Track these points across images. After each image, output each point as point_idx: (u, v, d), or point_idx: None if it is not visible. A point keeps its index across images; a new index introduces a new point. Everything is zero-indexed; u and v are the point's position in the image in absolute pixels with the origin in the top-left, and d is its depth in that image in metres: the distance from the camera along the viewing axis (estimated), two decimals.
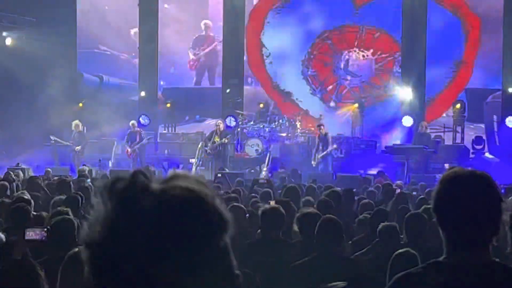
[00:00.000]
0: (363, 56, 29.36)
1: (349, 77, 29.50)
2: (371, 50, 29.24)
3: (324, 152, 23.73)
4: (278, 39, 29.65)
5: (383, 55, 28.78)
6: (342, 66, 29.55)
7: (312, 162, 23.87)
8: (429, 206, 8.38)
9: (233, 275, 1.51)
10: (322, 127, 24.24)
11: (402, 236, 7.94)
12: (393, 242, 7.56)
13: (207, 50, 30.95)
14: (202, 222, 1.47)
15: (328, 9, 29.16)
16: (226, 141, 24.07)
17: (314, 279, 5.88)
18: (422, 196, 12.52)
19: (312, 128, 26.38)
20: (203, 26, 30.87)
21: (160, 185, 1.49)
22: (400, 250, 6.10)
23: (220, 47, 30.24)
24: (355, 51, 29.41)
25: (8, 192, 12.59)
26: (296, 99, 29.81)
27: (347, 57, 29.52)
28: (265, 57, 30.21)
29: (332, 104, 29.41)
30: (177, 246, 1.43)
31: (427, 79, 27.02)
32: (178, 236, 1.44)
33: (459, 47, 28.46)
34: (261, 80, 30.18)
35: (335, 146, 24.01)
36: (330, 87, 29.56)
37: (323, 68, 29.69)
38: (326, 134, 23.97)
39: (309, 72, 29.87)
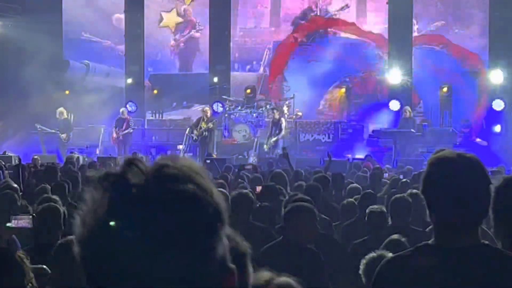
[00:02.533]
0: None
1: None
2: None
3: (275, 138, 23.92)
4: (299, 77, 29.11)
5: None
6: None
7: (265, 147, 24.08)
8: (414, 191, 8.44)
9: (227, 267, 1.46)
10: (275, 111, 24.59)
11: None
12: (380, 226, 7.58)
13: (186, 36, 30.72)
14: (196, 217, 1.41)
15: (354, 57, 28.86)
16: (212, 125, 24.08)
17: (274, 264, 5.79)
18: (404, 180, 12.54)
19: (300, 113, 26.39)
20: (182, 12, 30.64)
21: (153, 176, 1.42)
22: (393, 236, 6.07)
23: (199, 34, 30.20)
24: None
25: None
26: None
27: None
28: (285, 92, 29.58)
29: None
30: (167, 242, 1.37)
31: None
32: (169, 231, 1.38)
33: None
34: None
35: (285, 131, 24.18)
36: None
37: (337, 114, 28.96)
38: (279, 119, 24.13)
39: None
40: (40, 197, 8.04)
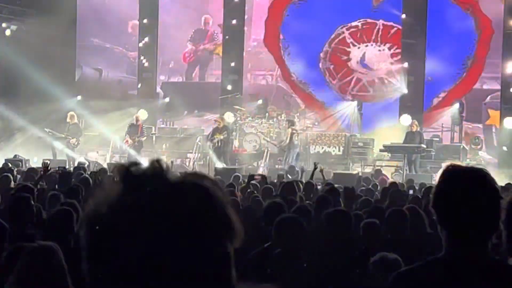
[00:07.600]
0: (379, 50, 29.31)
1: (365, 71, 29.39)
2: (387, 45, 29.20)
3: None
4: (297, 31, 29.51)
5: (398, 50, 28.51)
6: (358, 60, 29.46)
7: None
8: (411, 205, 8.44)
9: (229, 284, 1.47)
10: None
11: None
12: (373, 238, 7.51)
13: (206, 45, 30.80)
14: (207, 222, 1.44)
15: (347, 5, 29.13)
16: (222, 137, 24.04)
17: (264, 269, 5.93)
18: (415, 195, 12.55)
19: (310, 126, 26.41)
20: (203, 21, 30.72)
21: (177, 177, 1.47)
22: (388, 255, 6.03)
23: (214, 47, 30.37)
24: (371, 45, 29.40)
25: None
26: (313, 90, 29.77)
27: (364, 51, 29.45)
28: (283, 49, 30.11)
29: (348, 97, 29.18)
30: (177, 240, 1.40)
31: (438, 75, 27.21)
32: (180, 229, 1.41)
33: (471, 45, 28.28)
34: (281, 69, 30.21)
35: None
36: (348, 78, 29.47)
37: (340, 61, 29.65)
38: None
39: (326, 65, 29.79)
40: (56, 203, 8.05)
